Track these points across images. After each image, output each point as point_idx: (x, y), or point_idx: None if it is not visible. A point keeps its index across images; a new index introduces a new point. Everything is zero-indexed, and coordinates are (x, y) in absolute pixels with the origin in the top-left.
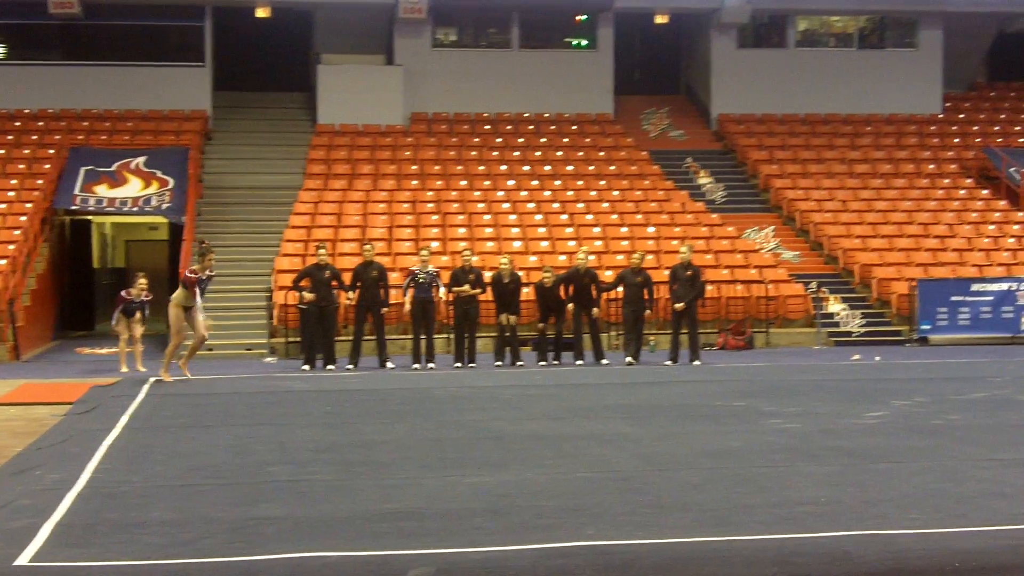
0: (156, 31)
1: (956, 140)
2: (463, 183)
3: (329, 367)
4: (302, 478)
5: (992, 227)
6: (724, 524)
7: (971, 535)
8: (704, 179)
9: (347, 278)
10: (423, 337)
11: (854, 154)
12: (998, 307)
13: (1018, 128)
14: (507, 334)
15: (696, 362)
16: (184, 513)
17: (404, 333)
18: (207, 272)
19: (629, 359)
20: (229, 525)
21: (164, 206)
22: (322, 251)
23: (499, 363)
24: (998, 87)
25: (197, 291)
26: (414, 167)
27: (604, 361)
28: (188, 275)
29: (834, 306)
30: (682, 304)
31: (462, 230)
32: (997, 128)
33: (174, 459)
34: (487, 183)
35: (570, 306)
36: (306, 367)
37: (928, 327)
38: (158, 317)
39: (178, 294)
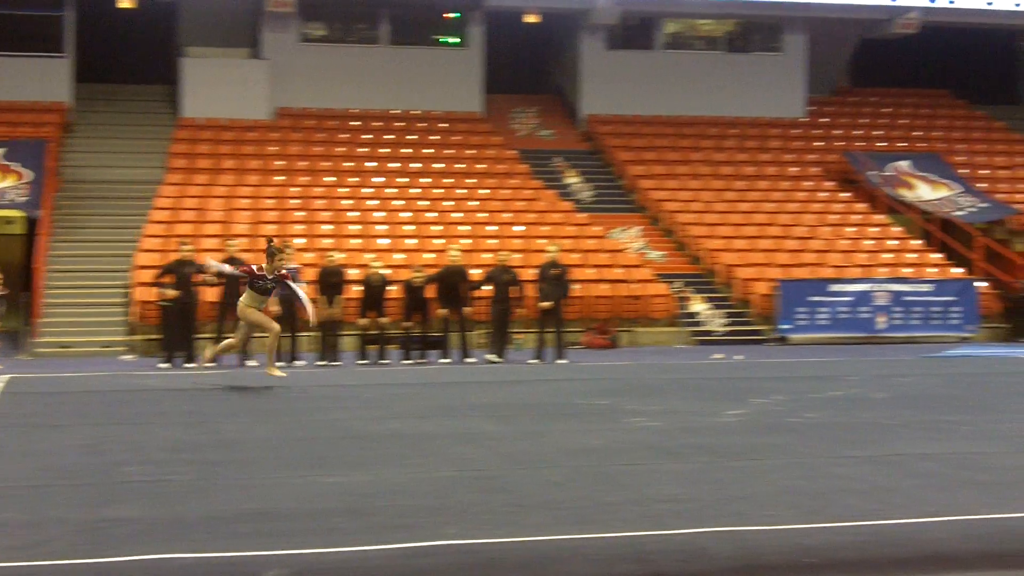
0: (15, 20)
1: (819, 144)
2: (330, 180)
3: (189, 365)
4: (159, 478)
5: (852, 229)
6: (585, 522)
7: (824, 531)
8: (572, 179)
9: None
10: (287, 335)
11: (719, 156)
12: (856, 307)
13: (878, 133)
14: (373, 332)
15: (561, 361)
16: (35, 514)
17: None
18: (277, 271)
19: (493, 357)
20: (81, 526)
21: (20, 200)
22: (186, 247)
23: (364, 362)
24: (860, 92)
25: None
26: (280, 163)
27: (470, 360)
28: (248, 272)
29: (697, 306)
30: (549, 303)
31: (329, 227)
32: (858, 132)
33: (25, 459)
34: (355, 180)
35: (439, 306)
36: (165, 365)
37: (788, 327)
38: (13, 313)
39: (247, 297)
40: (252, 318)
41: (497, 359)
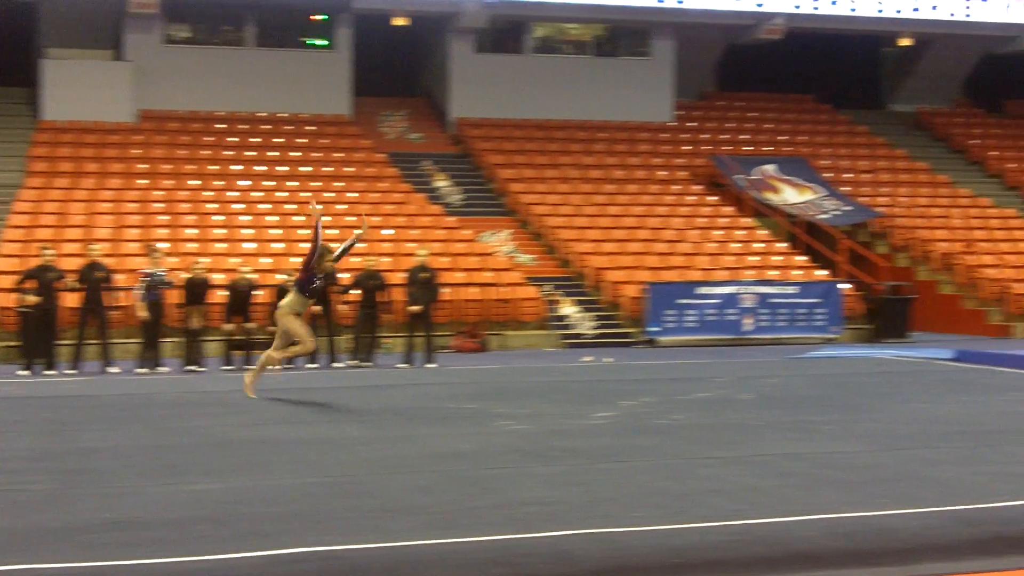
0: None
1: (686, 148)
2: (195, 183)
3: (49, 372)
4: (16, 487)
5: (719, 232)
6: (452, 526)
7: (691, 531)
8: (442, 182)
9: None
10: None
11: (588, 160)
12: (723, 310)
13: (745, 137)
14: (239, 337)
15: (430, 365)
16: None
17: (128, 337)
18: (325, 271)
19: (357, 362)
20: None
21: None
22: (48, 252)
23: (229, 367)
24: (727, 97)
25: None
26: (143, 166)
27: (338, 364)
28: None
29: (567, 309)
30: (418, 307)
31: (193, 231)
32: (726, 136)
33: None
34: (220, 183)
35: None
36: (25, 372)
37: (657, 329)
38: None
39: (291, 300)
40: (292, 326)
41: (364, 364)
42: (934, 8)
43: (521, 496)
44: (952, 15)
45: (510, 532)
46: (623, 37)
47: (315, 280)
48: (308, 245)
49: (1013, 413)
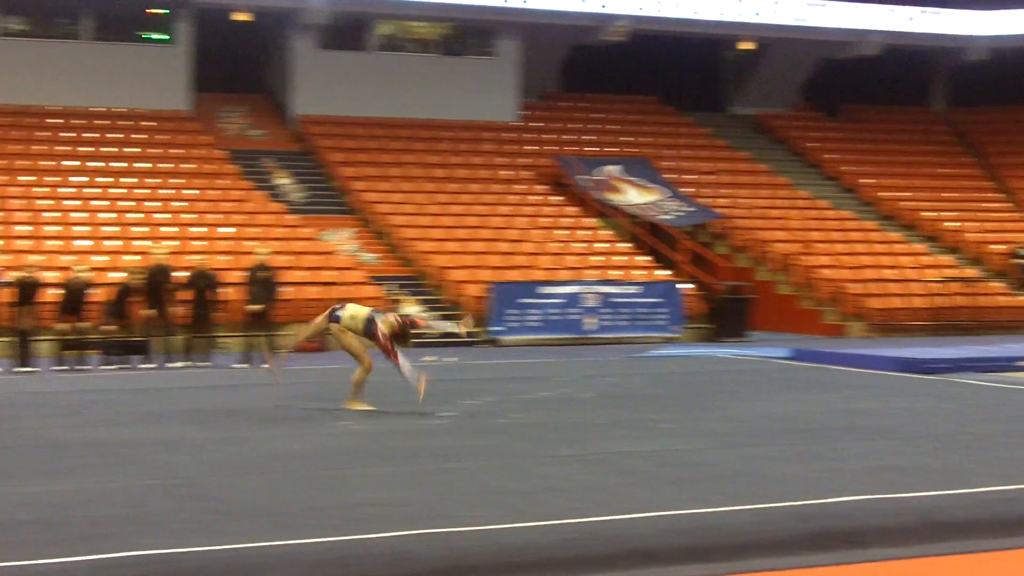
0: None
1: (531, 148)
2: (28, 179)
3: None
4: None
5: (562, 232)
6: (289, 528)
7: (531, 530)
8: (283, 180)
9: None
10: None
11: (433, 159)
12: (566, 309)
13: (589, 138)
14: (72, 336)
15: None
16: None
17: None
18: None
19: (192, 363)
20: None
21: None
22: None
23: (61, 367)
24: (572, 97)
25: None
26: None
27: (173, 364)
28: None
29: (410, 308)
30: (257, 306)
31: (26, 228)
32: (570, 137)
33: None
34: (54, 179)
35: (144, 308)
36: None
37: (500, 328)
38: None
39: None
40: (352, 344)
41: (200, 364)
42: (774, 12)
43: (359, 497)
44: (791, 20)
45: (347, 533)
46: (468, 36)
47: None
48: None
49: (847, 410)
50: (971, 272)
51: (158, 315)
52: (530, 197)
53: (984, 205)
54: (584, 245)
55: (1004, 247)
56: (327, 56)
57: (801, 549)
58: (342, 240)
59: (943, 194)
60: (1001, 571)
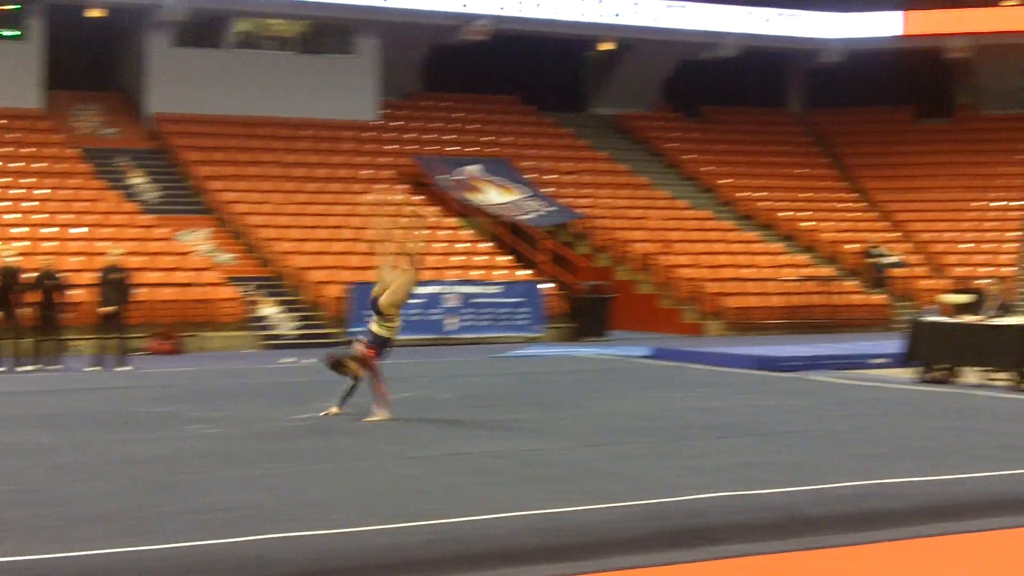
0: None
1: (391, 147)
2: None
3: None
4: None
5: (424, 232)
6: (140, 533)
7: (389, 532)
8: (137, 179)
9: None
10: None
11: (291, 158)
12: (426, 309)
13: (450, 137)
14: None
15: (123, 368)
16: None
17: None
18: None
19: (40, 366)
20: None
21: None
22: None
23: None
24: (433, 97)
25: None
26: None
27: (23, 368)
28: None
29: (268, 309)
30: (110, 308)
31: None
32: (431, 137)
33: None
34: None
35: None
36: None
37: (360, 329)
38: None
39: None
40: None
41: (49, 367)
42: (634, 14)
43: (213, 501)
44: (651, 21)
45: (201, 538)
46: (327, 34)
47: None
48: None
49: (704, 408)
50: (826, 271)
51: (6, 318)
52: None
53: (839, 205)
54: (444, 245)
55: (858, 246)
56: (183, 53)
57: (658, 547)
58: (198, 240)
59: (799, 194)
60: (850, 566)
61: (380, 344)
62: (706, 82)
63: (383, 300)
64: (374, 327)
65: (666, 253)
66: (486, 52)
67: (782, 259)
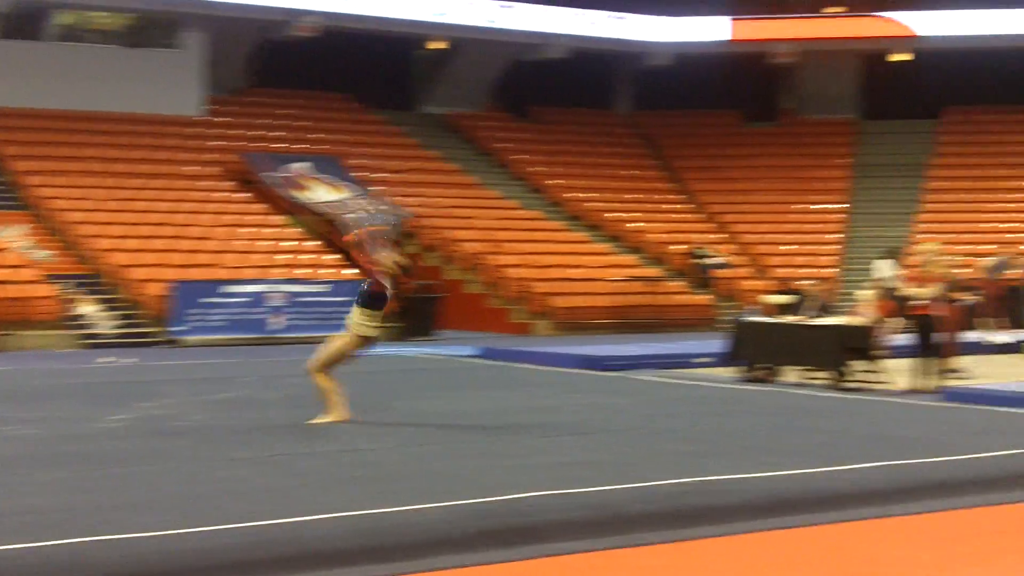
0: None
1: (217, 143)
2: None
3: None
4: None
5: (248, 230)
6: None
7: (207, 535)
8: None
9: None
10: None
11: (113, 153)
12: (251, 308)
13: (278, 134)
14: None
15: None
16: None
17: None
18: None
19: None
20: None
21: None
22: None
23: None
24: (261, 93)
25: None
26: None
27: None
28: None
29: (86, 307)
30: None
31: None
32: (258, 133)
33: None
34: None
35: None
36: None
37: (182, 328)
38: None
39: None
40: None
41: None
42: (465, 13)
43: (22, 504)
44: (482, 21)
45: (8, 543)
46: (152, 28)
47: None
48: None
49: (530, 407)
50: (653, 272)
51: None
52: (215, 194)
53: (665, 206)
54: (270, 243)
55: (684, 247)
56: (1, 46)
57: (483, 546)
58: (14, 237)
59: (627, 195)
60: (672, 562)
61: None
62: (536, 83)
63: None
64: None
65: (495, 253)
66: (316, 49)
67: (609, 259)
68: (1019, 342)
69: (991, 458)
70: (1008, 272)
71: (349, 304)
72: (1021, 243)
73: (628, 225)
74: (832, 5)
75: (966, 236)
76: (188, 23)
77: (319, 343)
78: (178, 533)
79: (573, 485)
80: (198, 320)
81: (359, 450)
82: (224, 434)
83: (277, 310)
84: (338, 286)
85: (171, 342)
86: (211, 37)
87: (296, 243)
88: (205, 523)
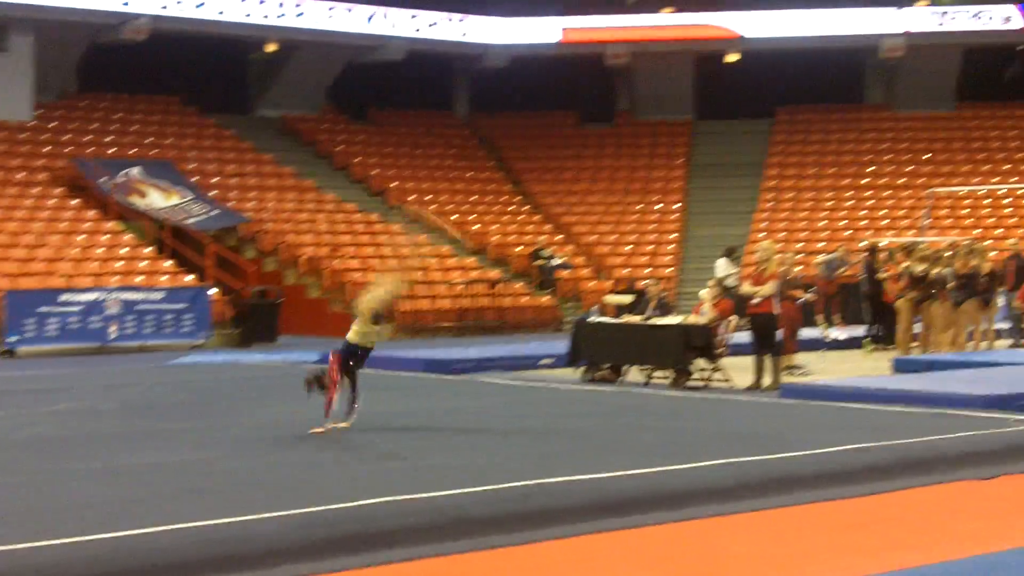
0: None
1: (47, 149)
2: None
3: None
4: None
5: (82, 237)
6: None
7: (54, 548)
8: None
9: None
10: None
11: None
12: (87, 317)
13: (110, 139)
14: None
15: None
16: None
17: None
18: None
19: None
20: None
21: None
22: None
23: None
24: (92, 97)
25: None
26: None
27: None
28: None
29: None
30: None
31: None
32: (89, 138)
33: None
34: None
35: None
36: None
37: (16, 339)
38: None
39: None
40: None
41: None
42: (299, 15)
43: None
44: (316, 23)
45: None
46: None
47: None
48: None
49: (372, 412)
50: (495, 273)
51: None
52: (48, 201)
53: (506, 208)
54: (105, 250)
55: (525, 248)
56: None
57: (327, 554)
58: None
59: (467, 197)
60: (518, 565)
61: (348, 351)
62: (373, 85)
63: (359, 302)
64: (348, 333)
65: (335, 257)
66: (147, 52)
67: (451, 262)
68: (862, 337)
69: (830, 453)
70: (843, 269)
71: (186, 312)
72: (855, 239)
73: (469, 227)
74: (664, 6)
75: (802, 235)
76: (16, 27)
77: (157, 351)
78: (24, 548)
79: (421, 490)
80: (33, 330)
81: (201, 459)
82: (66, 445)
83: (114, 318)
84: (175, 293)
85: (6, 353)
86: (40, 41)
87: (131, 250)
88: (51, 536)
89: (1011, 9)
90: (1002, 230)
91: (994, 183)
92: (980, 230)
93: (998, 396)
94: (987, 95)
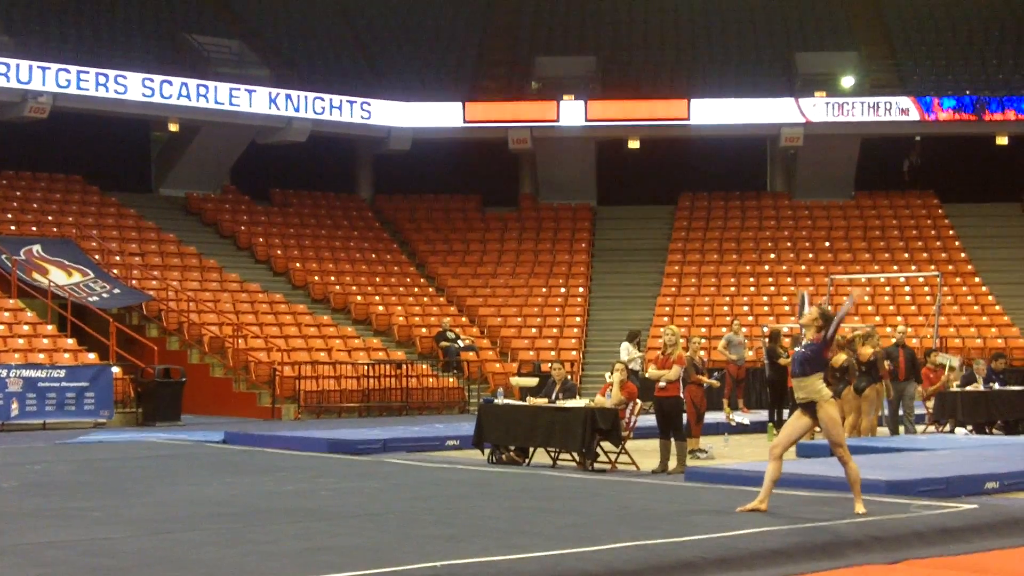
0: None
1: None
2: None
3: None
4: None
5: None
6: None
7: None
8: None
9: None
10: None
11: None
12: None
13: (10, 216)
14: None
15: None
16: None
17: None
18: None
19: None
20: None
21: None
22: None
23: None
24: None
25: None
26: None
27: None
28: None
29: None
30: None
31: None
32: None
33: None
34: None
35: None
36: None
37: None
38: None
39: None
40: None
41: None
42: (202, 96)
43: None
44: (219, 104)
45: None
46: None
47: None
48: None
49: (277, 492)
50: (399, 355)
51: None
52: None
53: (411, 290)
54: (5, 327)
55: (430, 330)
56: None
57: None
58: None
59: (372, 278)
60: None
61: None
62: (276, 166)
63: None
64: None
65: (239, 336)
66: (48, 130)
67: (356, 343)
68: (766, 422)
69: (735, 537)
70: (744, 352)
71: (87, 390)
72: (758, 324)
73: (374, 308)
74: (565, 93)
75: (705, 319)
76: None
77: (58, 429)
78: None
79: (320, 571)
80: None
81: (103, 539)
82: None
83: (13, 396)
84: (76, 371)
85: None
86: None
87: (31, 327)
88: None
89: (907, 101)
90: (901, 317)
91: (893, 271)
92: (880, 317)
93: (901, 481)
94: (885, 184)
